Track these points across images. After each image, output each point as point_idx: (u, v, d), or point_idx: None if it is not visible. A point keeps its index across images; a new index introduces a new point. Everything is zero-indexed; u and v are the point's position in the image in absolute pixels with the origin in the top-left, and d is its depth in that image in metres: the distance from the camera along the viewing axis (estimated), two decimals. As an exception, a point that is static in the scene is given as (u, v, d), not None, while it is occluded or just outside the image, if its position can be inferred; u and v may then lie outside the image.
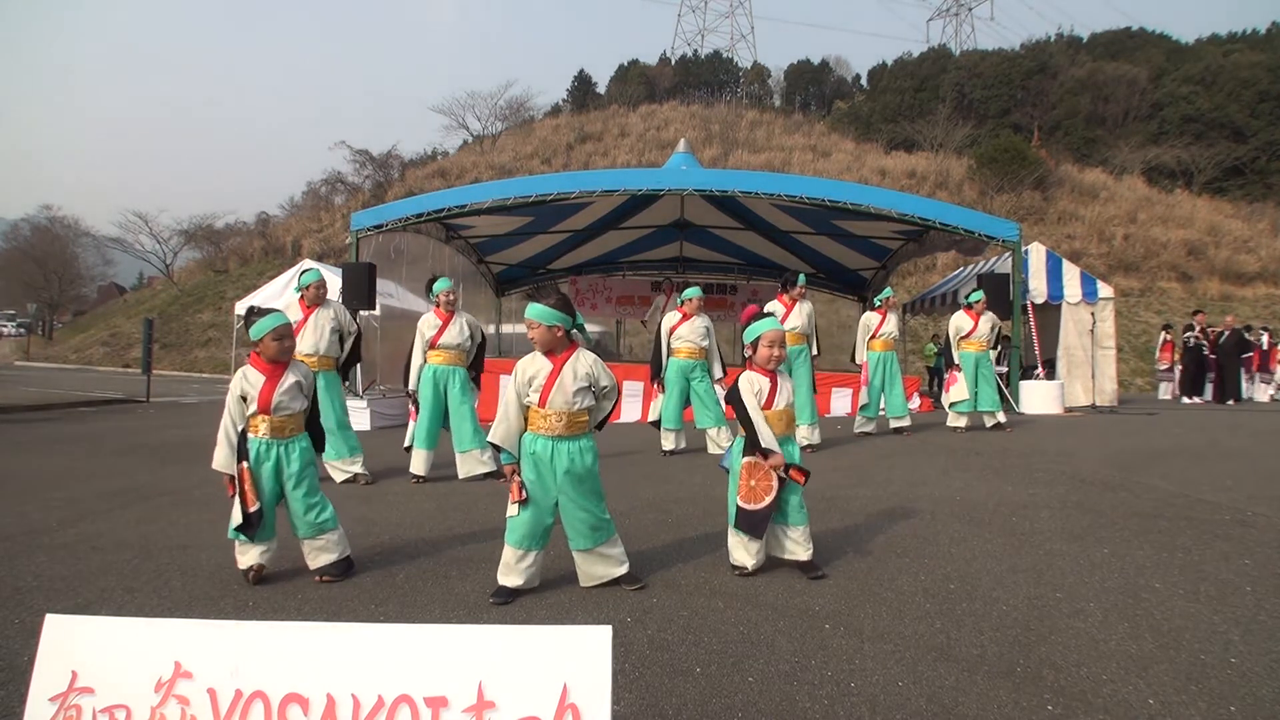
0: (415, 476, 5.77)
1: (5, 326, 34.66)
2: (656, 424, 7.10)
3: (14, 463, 6.92)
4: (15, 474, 6.24)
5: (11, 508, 4.89)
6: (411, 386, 5.89)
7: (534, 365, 3.16)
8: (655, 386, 7.03)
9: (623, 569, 3.23)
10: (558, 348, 3.17)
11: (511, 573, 3.12)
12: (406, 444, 6.01)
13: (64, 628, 1.64)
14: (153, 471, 6.35)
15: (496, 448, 3.14)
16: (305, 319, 5.71)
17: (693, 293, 6.94)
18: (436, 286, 5.97)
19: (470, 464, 5.77)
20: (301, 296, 5.81)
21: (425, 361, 5.89)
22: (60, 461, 6.96)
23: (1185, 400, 13.76)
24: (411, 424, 6.06)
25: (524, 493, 3.07)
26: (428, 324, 5.93)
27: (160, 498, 5.22)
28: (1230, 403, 13.34)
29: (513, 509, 3.09)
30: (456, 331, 5.91)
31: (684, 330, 6.85)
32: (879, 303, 8.25)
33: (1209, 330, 14.32)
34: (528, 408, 3.16)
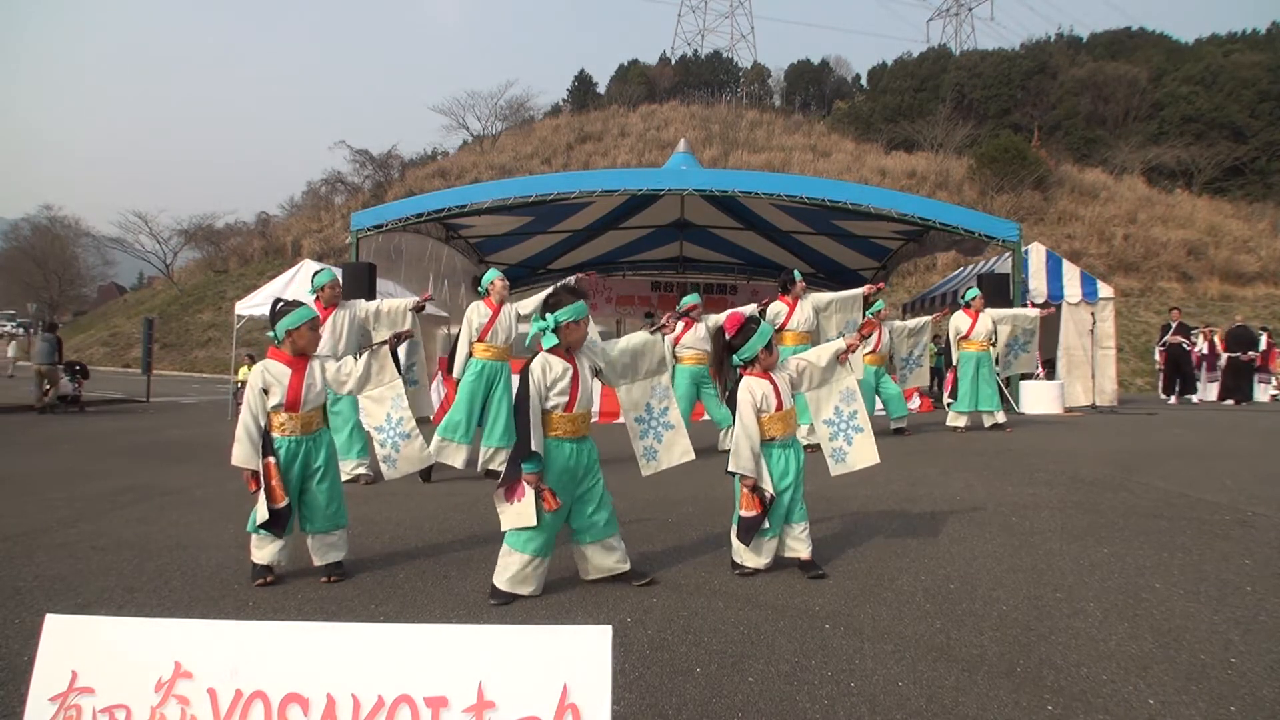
0: (424, 474, 5.77)
1: (5, 326, 34.74)
2: None
3: (14, 463, 6.92)
4: (15, 474, 6.24)
5: (11, 508, 4.89)
6: (456, 374, 5.90)
7: (552, 368, 3.07)
8: None
9: (626, 564, 3.23)
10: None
11: (527, 581, 3.09)
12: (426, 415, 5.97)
13: (64, 628, 1.64)
14: (153, 471, 6.35)
15: (534, 457, 2.95)
16: (323, 320, 5.63)
17: (691, 300, 7.06)
18: (485, 278, 5.98)
19: (494, 460, 5.79)
20: (317, 298, 5.71)
21: (472, 353, 5.88)
22: (60, 461, 6.96)
23: (1170, 400, 13.50)
24: (436, 399, 6.01)
25: (557, 500, 3.02)
26: (477, 313, 5.91)
27: (160, 498, 5.22)
28: (1229, 402, 13.28)
29: (531, 518, 2.98)
30: (506, 326, 5.91)
31: (688, 338, 6.93)
32: (870, 315, 8.12)
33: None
34: (548, 412, 3.07)
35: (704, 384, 6.89)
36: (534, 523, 2.98)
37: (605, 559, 3.20)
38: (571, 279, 6.17)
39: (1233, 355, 13.65)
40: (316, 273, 5.91)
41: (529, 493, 2.97)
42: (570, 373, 3.08)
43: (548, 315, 3.09)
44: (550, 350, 3.10)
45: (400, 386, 3.61)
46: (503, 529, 3.09)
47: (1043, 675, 2.37)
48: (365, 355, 3.56)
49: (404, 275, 12.84)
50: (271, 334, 3.46)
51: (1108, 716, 2.13)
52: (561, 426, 3.09)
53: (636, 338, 3.41)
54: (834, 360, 3.59)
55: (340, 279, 5.93)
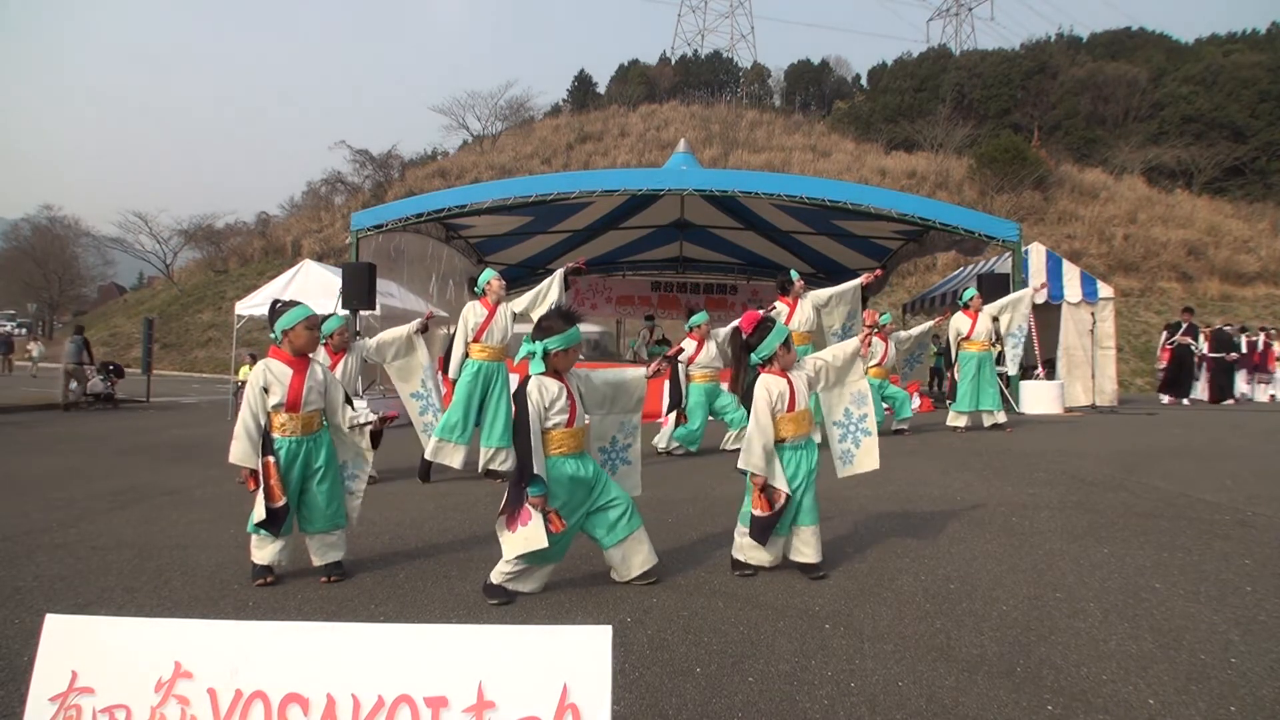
0: (423, 473, 5.79)
1: (5, 325, 34.80)
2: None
3: (14, 463, 6.92)
4: (15, 474, 6.24)
5: (11, 508, 4.89)
6: (451, 375, 5.89)
7: (548, 389, 3.07)
8: (678, 415, 6.96)
9: (655, 559, 3.23)
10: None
11: (529, 581, 3.12)
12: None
13: (64, 628, 1.64)
14: (153, 471, 6.35)
15: (538, 480, 2.93)
16: (334, 366, 5.57)
17: (700, 319, 7.13)
18: (481, 279, 5.96)
19: (494, 460, 5.77)
20: (326, 343, 5.62)
21: (468, 353, 5.86)
22: (60, 461, 6.97)
23: (1166, 400, 13.44)
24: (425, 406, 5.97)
25: (563, 520, 3.03)
26: (473, 313, 5.88)
27: (160, 498, 5.22)
28: (1230, 401, 13.26)
29: (540, 540, 2.94)
30: (502, 326, 5.89)
31: (701, 357, 7.00)
32: (876, 329, 8.18)
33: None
34: (549, 431, 3.07)
35: (716, 398, 7.05)
36: (544, 544, 2.95)
37: (635, 557, 3.20)
38: (563, 269, 6.19)
39: (1217, 356, 13.76)
40: (327, 317, 5.84)
41: (535, 516, 2.95)
42: (565, 391, 3.10)
43: (537, 341, 3.08)
44: (540, 373, 3.11)
45: (371, 456, 3.63)
46: (507, 557, 3.03)
47: (1043, 675, 2.37)
48: (352, 429, 3.52)
49: (404, 275, 12.84)
50: (273, 335, 3.47)
51: (1108, 716, 2.13)
52: (565, 443, 3.09)
53: (625, 373, 3.41)
54: (850, 359, 3.60)
55: (347, 324, 5.83)
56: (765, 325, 3.39)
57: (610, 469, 3.42)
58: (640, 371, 3.40)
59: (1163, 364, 14.36)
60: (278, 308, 3.49)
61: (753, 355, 3.40)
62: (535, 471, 2.91)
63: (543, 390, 3.05)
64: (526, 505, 2.94)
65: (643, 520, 3.25)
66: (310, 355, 3.51)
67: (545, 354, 3.07)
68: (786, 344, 3.38)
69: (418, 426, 5.78)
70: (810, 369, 3.52)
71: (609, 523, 3.16)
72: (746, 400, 3.41)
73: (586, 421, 3.21)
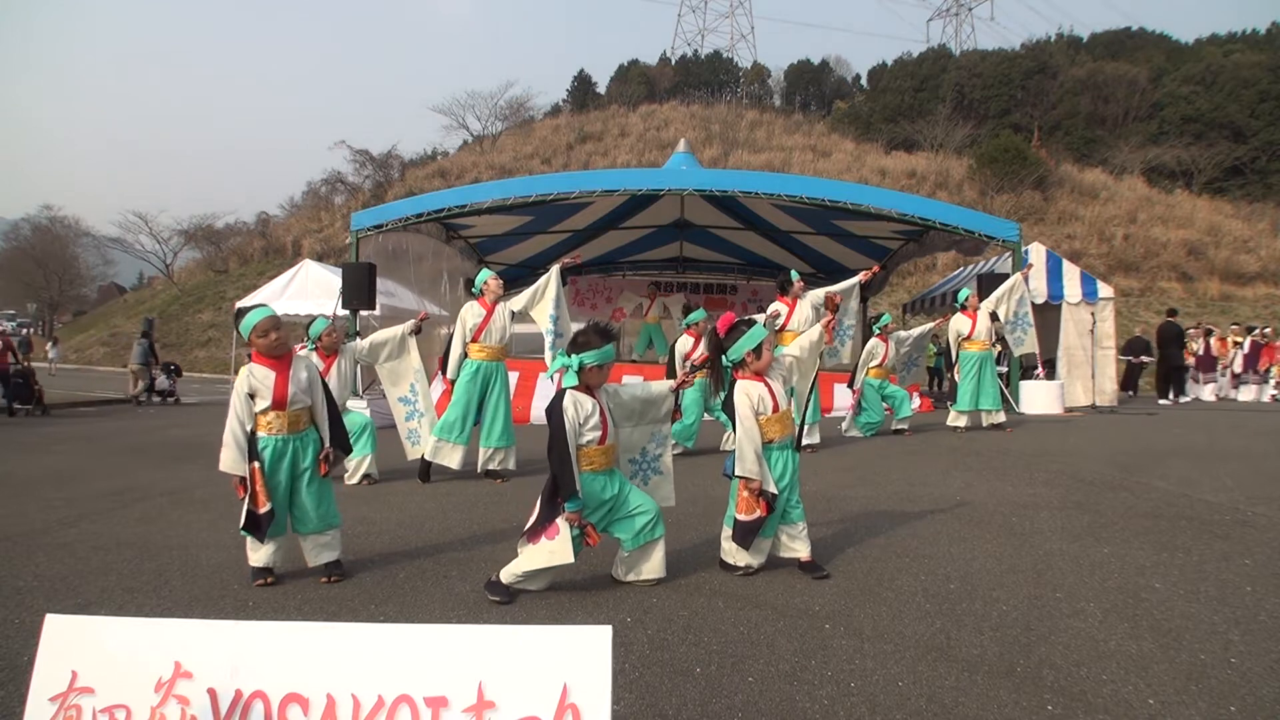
0: (423, 473, 5.79)
1: (4, 325, 34.86)
2: None
3: (14, 463, 6.92)
4: (15, 474, 6.24)
5: (11, 508, 4.89)
6: (450, 375, 5.88)
7: (583, 405, 3.08)
8: (673, 411, 6.99)
9: (663, 571, 3.24)
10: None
11: (536, 580, 3.13)
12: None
13: (64, 628, 1.64)
14: (153, 471, 6.35)
15: (575, 495, 2.94)
16: (327, 369, 5.53)
17: (699, 316, 7.11)
18: (479, 278, 5.95)
19: (493, 460, 5.78)
20: (317, 348, 5.62)
21: (466, 353, 5.84)
22: (60, 461, 6.96)
23: (1165, 401, 13.60)
24: (436, 394, 5.97)
25: (599, 535, 3.04)
26: (471, 313, 5.86)
27: (160, 498, 5.22)
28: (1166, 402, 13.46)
29: (566, 555, 2.95)
30: (500, 326, 5.87)
31: (697, 354, 6.96)
32: (877, 330, 8.21)
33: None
34: (582, 448, 3.07)
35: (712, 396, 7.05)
36: (569, 559, 2.96)
37: (648, 562, 3.21)
38: (559, 265, 6.17)
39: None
40: (310, 323, 5.78)
41: (563, 530, 2.95)
42: (598, 407, 3.11)
43: (573, 355, 3.08)
44: (574, 388, 3.11)
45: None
46: (526, 568, 3.04)
47: (1043, 675, 2.37)
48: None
49: (404, 275, 12.83)
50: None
51: (1108, 716, 2.13)
52: (597, 460, 3.10)
53: (652, 387, 3.41)
54: (816, 348, 3.66)
55: (335, 325, 5.80)
56: (738, 329, 3.40)
57: (642, 480, 3.41)
58: (666, 385, 3.41)
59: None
60: (239, 315, 3.42)
61: (724, 357, 3.42)
62: (575, 487, 2.93)
63: (578, 405, 3.05)
64: (558, 520, 2.96)
65: (665, 530, 3.25)
66: (293, 353, 3.46)
67: (581, 368, 3.07)
68: (757, 350, 3.36)
69: (402, 433, 5.77)
70: (784, 368, 3.54)
71: (635, 529, 3.17)
72: (726, 403, 3.42)
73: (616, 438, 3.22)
